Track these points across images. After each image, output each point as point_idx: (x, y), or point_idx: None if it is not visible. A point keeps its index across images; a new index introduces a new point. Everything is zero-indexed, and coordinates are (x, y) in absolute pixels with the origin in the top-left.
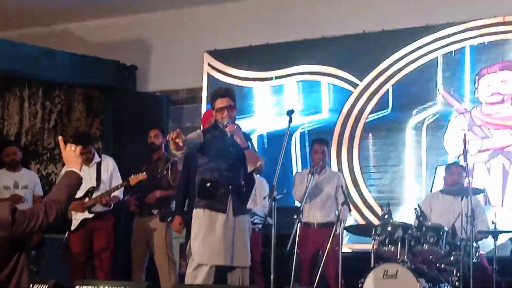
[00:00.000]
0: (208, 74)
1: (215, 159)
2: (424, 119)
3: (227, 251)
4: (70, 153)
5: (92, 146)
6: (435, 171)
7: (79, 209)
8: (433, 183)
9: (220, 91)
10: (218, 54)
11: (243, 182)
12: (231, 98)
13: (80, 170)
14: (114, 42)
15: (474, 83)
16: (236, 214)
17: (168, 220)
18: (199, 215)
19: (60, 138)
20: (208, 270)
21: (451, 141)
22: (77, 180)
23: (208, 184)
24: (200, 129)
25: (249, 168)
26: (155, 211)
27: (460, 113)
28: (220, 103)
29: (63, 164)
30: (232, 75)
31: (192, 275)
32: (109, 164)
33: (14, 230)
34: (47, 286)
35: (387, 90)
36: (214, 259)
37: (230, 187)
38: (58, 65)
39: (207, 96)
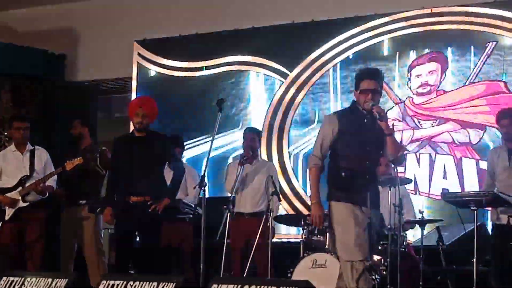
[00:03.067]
0: (138, 64)
1: (352, 146)
2: None
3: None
4: None
5: (29, 126)
6: None
7: (12, 205)
8: None
9: (368, 71)
10: (147, 44)
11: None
12: (379, 82)
13: None
14: (43, 31)
15: (408, 74)
16: (373, 207)
17: (97, 211)
18: (338, 208)
19: None
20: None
21: None
22: None
23: (343, 174)
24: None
25: (389, 157)
26: (83, 202)
27: (396, 104)
28: (366, 84)
29: None
30: (162, 65)
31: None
32: (42, 154)
33: None
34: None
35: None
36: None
37: (368, 177)
38: None
39: (136, 86)
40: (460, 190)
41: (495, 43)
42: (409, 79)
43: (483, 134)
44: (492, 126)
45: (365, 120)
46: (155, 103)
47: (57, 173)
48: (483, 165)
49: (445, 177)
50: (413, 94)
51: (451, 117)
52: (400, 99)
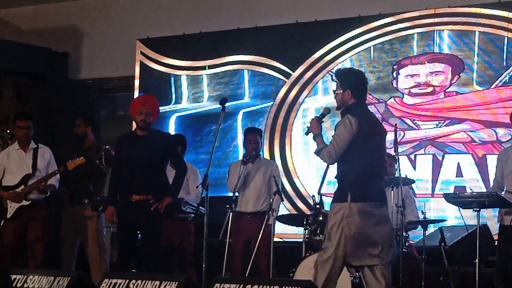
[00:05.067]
0: (140, 62)
1: None
2: None
3: None
4: None
5: (31, 124)
6: None
7: (16, 200)
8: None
9: None
10: (151, 43)
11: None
12: (338, 81)
13: None
14: (46, 29)
15: (393, 73)
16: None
17: (100, 209)
18: None
19: None
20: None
21: None
22: None
23: None
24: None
25: None
26: (86, 200)
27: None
28: None
29: None
30: (165, 64)
31: (322, 263)
32: (46, 153)
33: None
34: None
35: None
36: None
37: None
38: None
39: (139, 85)
40: (483, 185)
41: None
42: (395, 78)
43: None
44: None
45: None
46: (157, 101)
47: (59, 172)
48: None
49: (460, 175)
50: (403, 94)
51: (469, 117)
52: (377, 99)
